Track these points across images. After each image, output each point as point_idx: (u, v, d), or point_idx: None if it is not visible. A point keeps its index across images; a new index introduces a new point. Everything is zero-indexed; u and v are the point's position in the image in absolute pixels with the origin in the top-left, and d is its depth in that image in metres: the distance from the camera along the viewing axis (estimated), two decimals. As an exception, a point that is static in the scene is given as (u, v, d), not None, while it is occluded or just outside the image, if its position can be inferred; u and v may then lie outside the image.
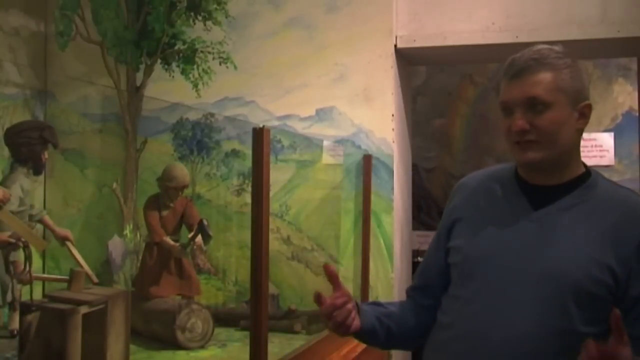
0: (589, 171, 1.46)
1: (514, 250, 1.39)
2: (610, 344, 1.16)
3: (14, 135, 3.20)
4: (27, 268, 2.64)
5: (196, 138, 4.02)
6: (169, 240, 3.43)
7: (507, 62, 1.44)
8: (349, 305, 1.44)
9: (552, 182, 1.43)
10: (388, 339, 1.56)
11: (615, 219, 1.37)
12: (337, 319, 1.42)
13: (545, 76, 1.38)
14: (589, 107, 1.43)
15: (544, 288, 1.34)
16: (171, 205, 3.54)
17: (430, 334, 1.54)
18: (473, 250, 1.45)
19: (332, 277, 1.46)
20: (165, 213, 3.54)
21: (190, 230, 3.52)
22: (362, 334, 1.51)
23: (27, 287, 2.78)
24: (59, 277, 3.13)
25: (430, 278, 1.59)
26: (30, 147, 3.17)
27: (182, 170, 3.61)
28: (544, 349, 1.28)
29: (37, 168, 3.25)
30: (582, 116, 1.42)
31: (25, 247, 2.70)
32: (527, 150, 1.38)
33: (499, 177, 1.52)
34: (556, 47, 1.44)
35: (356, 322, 1.45)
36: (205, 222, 3.38)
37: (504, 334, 1.35)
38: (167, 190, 3.52)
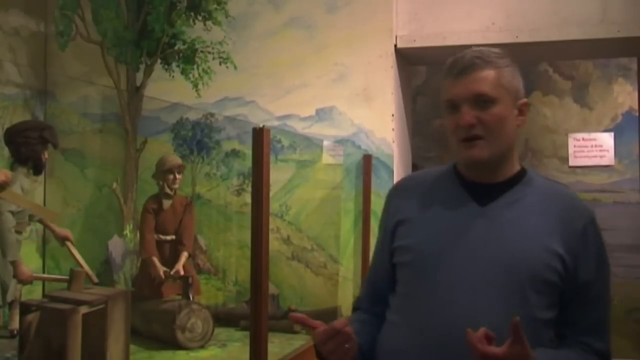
0: (523, 168, 1.52)
1: (467, 246, 1.43)
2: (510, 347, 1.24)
3: (14, 135, 3.20)
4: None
5: (196, 138, 4.02)
6: (156, 261, 3.40)
7: (449, 62, 1.49)
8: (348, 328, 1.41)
9: (493, 180, 1.48)
10: None
11: (557, 211, 1.45)
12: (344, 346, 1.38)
13: (490, 73, 1.43)
14: (526, 105, 1.49)
15: (503, 279, 1.39)
16: (171, 193, 3.52)
17: (381, 335, 1.53)
18: (425, 248, 1.46)
19: (301, 321, 1.41)
20: (166, 206, 3.52)
21: (180, 241, 3.50)
22: None
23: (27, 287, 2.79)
24: (59, 277, 3.13)
25: (379, 282, 1.60)
26: (30, 147, 3.17)
27: (171, 155, 3.71)
28: (509, 338, 1.29)
29: (37, 168, 3.25)
30: (521, 113, 1.48)
31: None
32: (473, 147, 1.42)
33: (439, 177, 1.56)
34: (494, 49, 1.50)
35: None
36: (190, 281, 3.39)
37: (470, 327, 1.34)
38: (164, 176, 3.51)
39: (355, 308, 1.67)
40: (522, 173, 1.50)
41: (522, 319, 1.34)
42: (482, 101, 1.41)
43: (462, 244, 1.43)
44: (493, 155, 1.43)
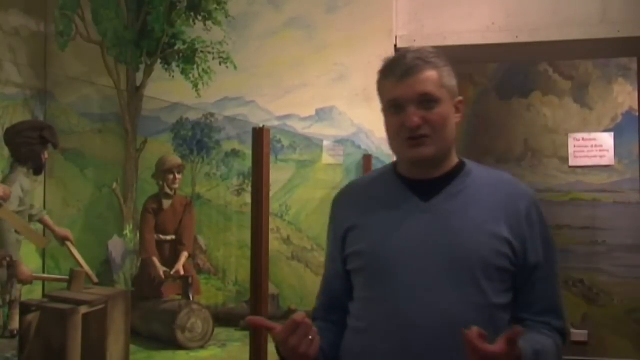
0: (462, 160, 1.55)
1: (416, 243, 1.45)
2: (499, 347, 1.23)
3: (14, 135, 3.20)
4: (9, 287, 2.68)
5: (196, 138, 4.02)
6: (156, 261, 3.41)
7: (389, 62, 1.50)
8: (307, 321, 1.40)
9: (433, 175, 1.50)
10: None
11: (501, 197, 1.48)
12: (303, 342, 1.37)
13: (432, 74, 1.46)
14: (462, 103, 1.54)
15: (456, 270, 1.41)
16: (171, 193, 3.52)
17: (345, 340, 1.53)
18: (376, 251, 1.48)
19: (260, 324, 1.42)
20: (166, 206, 3.52)
21: (180, 241, 3.50)
22: None
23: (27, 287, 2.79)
24: (59, 277, 3.13)
25: (335, 291, 1.62)
26: (30, 147, 3.17)
27: (171, 155, 3.74)
28: (469, 327, 1.30)
29: (37, 168, 3.25)
30: (458, 111, 1.53)
31: (10, 266, 2.74)
32: (419, 146, 1.45)
33: (380, 180, 1.59)
34: (429, 48, 1.53)
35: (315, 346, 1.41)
36: (190, 281, 3.39)
37: (430, 322, 1.39)
38: (165, 176, 3.52)
39: (313, 319, 1.64)
40: (462, 165, 1.54)
41: (479, 306, 1.41)
42: (427, 101, 1.44)
43: (411, 241, 1.45)
44: (438, 153, 1.47)
